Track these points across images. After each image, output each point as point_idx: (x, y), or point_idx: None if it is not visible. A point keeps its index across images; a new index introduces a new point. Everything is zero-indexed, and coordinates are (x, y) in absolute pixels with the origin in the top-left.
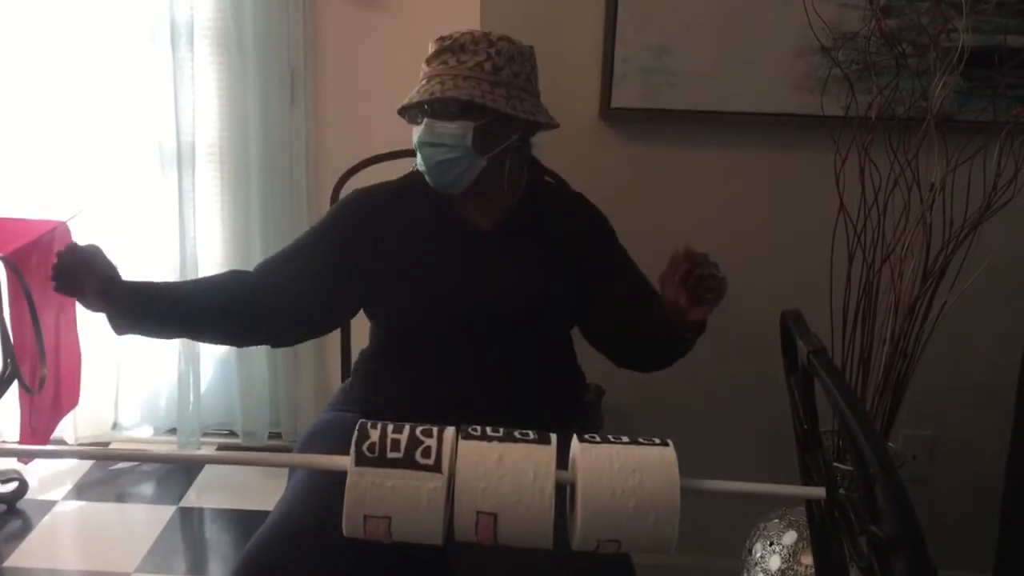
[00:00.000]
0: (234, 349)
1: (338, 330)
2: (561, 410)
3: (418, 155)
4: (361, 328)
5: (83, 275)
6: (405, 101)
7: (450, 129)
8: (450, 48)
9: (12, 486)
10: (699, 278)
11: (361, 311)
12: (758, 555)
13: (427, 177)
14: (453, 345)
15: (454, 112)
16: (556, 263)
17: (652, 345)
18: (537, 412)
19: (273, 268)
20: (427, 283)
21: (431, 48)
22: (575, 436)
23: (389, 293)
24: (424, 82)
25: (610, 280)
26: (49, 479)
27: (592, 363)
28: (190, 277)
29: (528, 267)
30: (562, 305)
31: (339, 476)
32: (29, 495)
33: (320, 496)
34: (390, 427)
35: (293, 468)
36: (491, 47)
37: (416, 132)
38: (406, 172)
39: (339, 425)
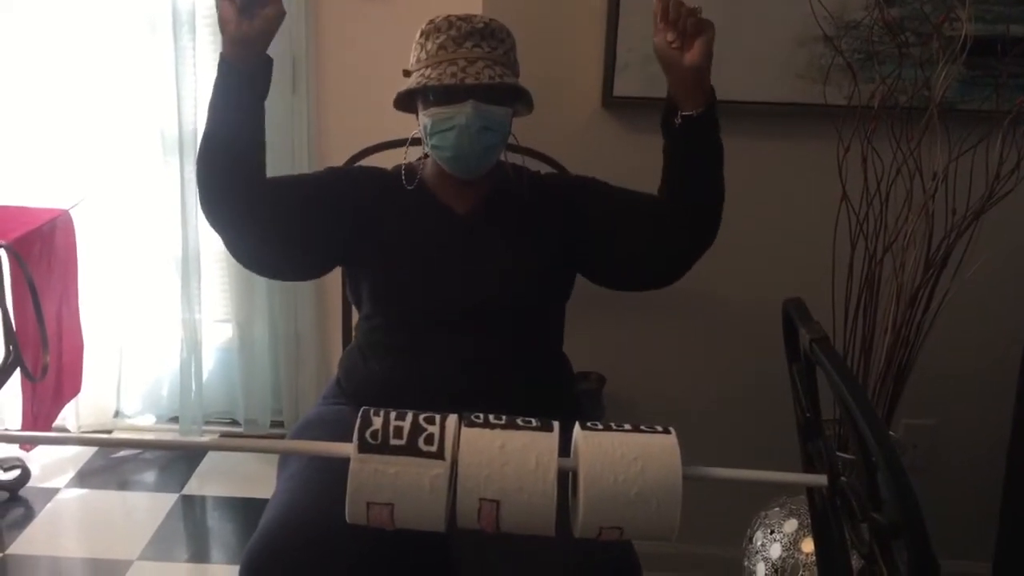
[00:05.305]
0: (236, 337)
1: (339, 319)
2: (540, 394)
3: (445, 138)
4: None
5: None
6: (447, 81)
7: (499, 115)
8: (481, 32)
9: (14, 474)
10: (677, 5)
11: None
12: (759, 543)
13: (452, 163)
14: (435, 331)
15: (497, 98)
16: (534, 242)
17: (685, 180)
18: (513, 395)
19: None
20: (411, 269)
21: (445, 26)
22: (577, 423)
23: (370, 277)
24: (452, 64)
25: (613, 214)
26: (51, 467)
27: (593, 352)
28: (192, 266)
29: (506, 247)
30: (543, 284)
31: (337, 466)
32: (31, 483)
33: (320, 487)
34: (393, 414)
35: (288, 459)
36: (507, 37)
37: (445, 115)
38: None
39: (329, 418)
